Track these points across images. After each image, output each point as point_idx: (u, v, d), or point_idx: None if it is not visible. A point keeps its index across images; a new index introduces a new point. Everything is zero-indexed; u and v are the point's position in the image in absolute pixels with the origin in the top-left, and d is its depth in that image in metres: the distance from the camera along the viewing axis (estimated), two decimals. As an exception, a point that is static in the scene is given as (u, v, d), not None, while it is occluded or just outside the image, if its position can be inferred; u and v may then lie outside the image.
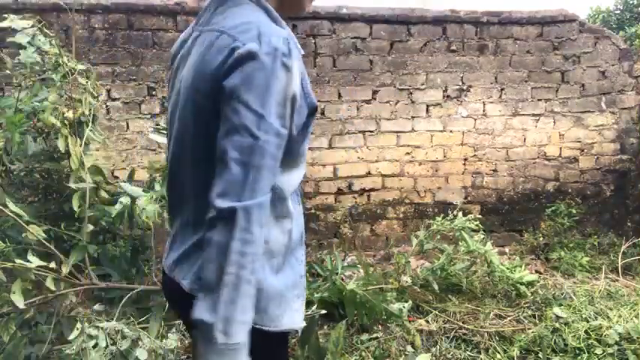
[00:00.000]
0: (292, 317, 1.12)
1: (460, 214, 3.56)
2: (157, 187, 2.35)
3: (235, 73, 0.91)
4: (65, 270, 2.19)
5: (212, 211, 0.90)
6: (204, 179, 0.97)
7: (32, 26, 2.47)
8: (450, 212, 3.61)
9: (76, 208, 2.43)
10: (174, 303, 1.27)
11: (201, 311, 0.89)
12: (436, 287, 3.25)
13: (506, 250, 4.86)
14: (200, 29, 1.09)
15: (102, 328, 1.74)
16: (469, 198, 5.03)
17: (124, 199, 2.34)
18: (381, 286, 3.21)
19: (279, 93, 0.92)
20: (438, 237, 3.65)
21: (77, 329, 1.78)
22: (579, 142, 5.07)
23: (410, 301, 3.16)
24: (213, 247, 0.89)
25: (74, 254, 2.29)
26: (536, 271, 4.14)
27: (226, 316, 0.88)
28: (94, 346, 1.67)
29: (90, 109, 2.64)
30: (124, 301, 2.48)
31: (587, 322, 2.85)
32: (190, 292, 1.04)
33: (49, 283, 2.06)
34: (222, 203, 0.89)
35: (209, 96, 0.95)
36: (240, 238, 0.88)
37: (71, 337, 1.79)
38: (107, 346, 1.69)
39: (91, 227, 2.48)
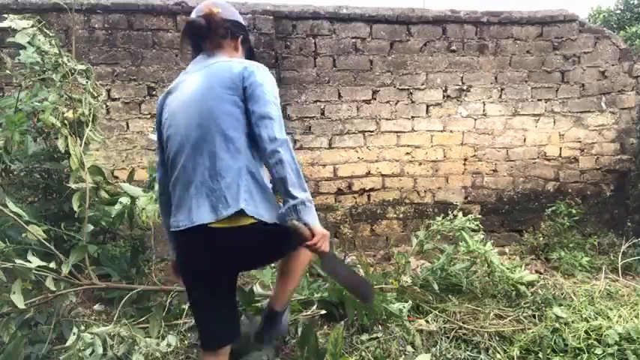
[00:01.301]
0: None
1: (460, 214, 3.55)
2: (157, 187, 2.36)
3: (253, 76, 1.65)
4: (65, 270, 2.19)
5: (273, 144, 1.57)
6: (228, 141, 1.61)
7: (32, 26, 2.47)
8: (450, 212, 3.61)
9: (76, 208, 2.44)
10: (215, 243, 1.62)
11: (297, 194, 1.57)
12: (436, 287, 3.25)
13: (507, 250, 4.86)
14: (202, 68, 1.71)
15: (98, 334, 1.73)
16: (469, 198, 5.03)
17: (124, 199, 2.34)
18: (381, 286, 3.21)
19: (275, 86, 1.71)
20: (438, 237, 3.65)
21: (74, 334, 1.77)
22: (579, 142, 5.06)
23: (410, 301, 3.16)
24: (285, 162, 1.57)
25: (74, 254, 2.29)
26: (536, 271, 4.14)
27: (307, 191, 1.61)
28: (91, 354, 1.67)
29: (90, 109, 2.64)
30: (124, 301, 2.48)
31: (587, 322, 2.84)
32: (251, 214, 1.60)
33: (49, 283, 2.06)
34: (280, 136, 1.59)
35: (230, 89, 1.62)
36: (292, 152, 1.60)
37: (68, 344, 1.78)
38: (104, 353, 1.69)
39: (91, 227, 2.48)
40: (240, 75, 1.64)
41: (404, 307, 2.96)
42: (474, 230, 3.49)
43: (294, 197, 1.57)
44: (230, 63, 1.69)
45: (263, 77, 1.67)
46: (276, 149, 1.57)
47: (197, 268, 1.71)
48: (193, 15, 1.80)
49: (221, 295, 1.76)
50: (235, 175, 1.60)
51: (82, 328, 1.85)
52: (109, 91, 4.39)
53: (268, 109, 1.61)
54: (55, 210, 2.92)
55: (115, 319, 2.36)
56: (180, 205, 1.66)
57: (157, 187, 2.14)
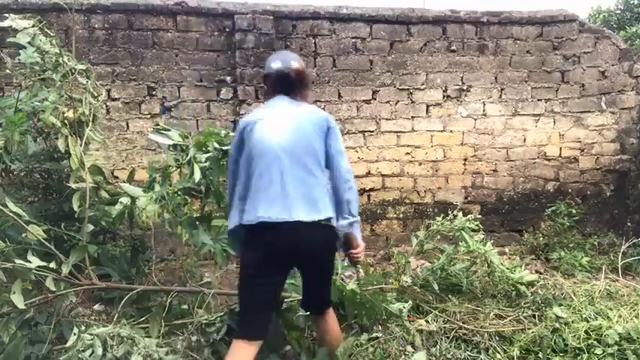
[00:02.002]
0: None
1: (460, 214, 3.55)
2: (157, 187, 2.35)
3: (332, 122, 2.20)
4: (65, 270, 2.19)
5: (348, 173, 2.16)
6: (317, 163, 2.10)
7: (32, 26, 2.47)
8: (450, 212, 3.61)
9: (76, 208, 2.43)
10: (307, 236, 2.02)
11: (355, 214, 2.15)
12: (436, 287, 3.25)
13: (506, 250, 4.86)
14: (290, 107, 2.19)
15: (97, 335, 1.73)
16: (469, 198, 5.03)
17: (124, 199, 2.34)
18: (381, 286, 3.21)
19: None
20: (438, 237, 3.65)
21: (74, 334, 1.77)
22: (579, 142, 5.06)
23: (410, 301, 3.16)
24: (353, 188, 2.15)
25: (74, 254, 2.29)
26: (536, 271, 4.14)
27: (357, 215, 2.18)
28: (91, 355, 1.67)
29: (90, 109, 2.64)
30: (124, 301, 2.48)
31: (587, 322, 2.84)
32: (332, 222, 2.10)
33: (49, 283, 2.06)
34: (350, 168, 2.19)
35: (319, 129, 2.14)
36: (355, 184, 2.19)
37: (68, 344, 1.78)
38: (104, 354, 1.68)
39: (91, 227, 2.48)
40: (325, 120, 2.18)
41: (404, 307, 2.95)
42: (473, 230, 3.49)
43: (354, 216, 2.15)
44: (315, 109, 2.25)
45: (335, 124, 2.25)
46: (349, 178, 2.16)
47: (281, 256, 2.03)
48: (280, 65, 2.22)
49: (280, 287, 2.16)
50: (323, 189, 2.11)
51: (82, 328, 1.85)
52: (109, 91, 4.39)
53: (343, 147, 2.21)
54: (55, 210, 2.92)
55: (114, 319, 2.36)
56: (275, 203, 2.01)
57: (156, 187, 2.18)
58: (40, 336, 2.33)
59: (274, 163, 2.05)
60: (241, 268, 2.14)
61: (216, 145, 2.26)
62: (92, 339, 1.71)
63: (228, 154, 2.24)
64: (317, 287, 2.28)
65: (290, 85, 2.22)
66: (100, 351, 1.70)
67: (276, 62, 2.23)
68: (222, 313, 2.71)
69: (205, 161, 2.26)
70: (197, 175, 2.19)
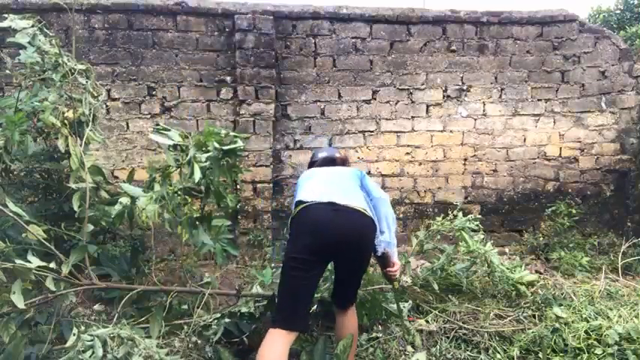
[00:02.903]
0: None
1: (460, 214, 3.55)
2: (157, 187, 2.35)
3: (364, 174, 2.57)
4: (65, 270, 2.19)
5: (378, 194, 2.46)
6: (351, 183, 2.45)
7: (32, 26, 2.47)
8: (450, 212, 3.61)
9: (76, 208, 2.43)
10: (351, 224, 2.23)
11: (394, 238, 2.47)
12: (436, 288, 3.25)
13: (506, 250, 4.86)
14: (334, 168, 2.63)
15: (98, 336, 1.72)
16: (469, 198, 5.03)
17: (124, 199, 2.33)
18: (381, 286, 3.21)
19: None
20: (439, 237, 3.65)
21: (74, 335, 1.76)
22: (579, 142, 5.06)
23: (410, 302, 3.16)
24: (393, 215, 2.48)
25: (74, 254, 2.28)
26: (536, 271, 4.14)
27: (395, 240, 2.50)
28: (91, 356, 1.66)
29: (90, 109, 2.64)
30: (124, 301, 2.48)
31: (587, 322, 2.84)
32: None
33: (49, 283, 2.05)
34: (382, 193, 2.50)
35: (355, 176, 2.52)
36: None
37: (68, 345, 1.77)
38: (104, 355, 1.68)
39: (91, 227, 2.48)
40: (358, 170, 2.57)
41: (404, 307, 2.96)
42: (473, 230, 3.49)
43: (392, 236, 2.45)
44: (352, 168, 2.64)
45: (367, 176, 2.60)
46: (388, 202, 2.49)
47: (327, 245, 2.18)
48: (331, 154, 2.74)
49: (319, 278, 2.35)
50: (361, 195, 2.44)
51: (82, 328, 1.84)
52: (109, 91, 4.39)
53: (380, 194, 2.50)
54: (55, 210, 2.92)
55: (114, 319, 2.35)
56: (318, 190, 2.34)
57: (156, 187, 2.19)
58: (40, 336, 2.33)
59: (320, 178, 2.46)
60: (285, 261, 2.25)
61: (217, 145, 2.26)
62: (92, 340, 1.70)
63: (229, 154, 2.25)
64: (348, 283, 2.41)
65: (335, 162, 2.70)
66: (100, 352, 1.69)
67: (322, 153, 2.77)
68: (219, 315, 2.72)
69: (205, 161, 2.26)
70: (197, 175, 2.19)
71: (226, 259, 2.50)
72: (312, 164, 2.75)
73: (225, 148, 2.25)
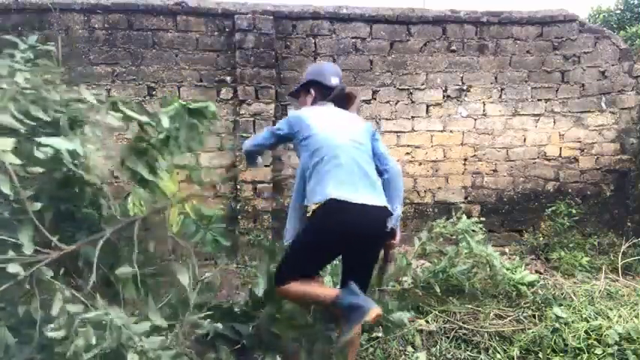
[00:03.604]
0: None
1: (464, 216, 3.56)
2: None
3: (375, 130, 2.56)
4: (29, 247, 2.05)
5: (392, 164, 2.56)
6: (372, 160, 2.43)
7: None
8: (450, 212, 3.61)
9: (75, 208, 2.42)
10: (372, 219, 2.24)
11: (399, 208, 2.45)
12: (438, 290, 3.24)
13: (507, 250, 4.86)
14: (340, 112, 2.51)
15: (89, 320, 1.69)
16: (469, 198, 5.03)
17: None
18: (382, 287, 3.20)
19: None
20: (441, 239, 3.65)
21: (59, 300, 1.68)
22: (579, 142, 5.06)
23: (411, 309, 3.14)
24: (400, 180, 2.56)
25: (24, 229, 2.23)
26: (537, 271, 4.14)
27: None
28: (85, 344, 1.64)
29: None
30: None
31: (587, 322, 2.84)
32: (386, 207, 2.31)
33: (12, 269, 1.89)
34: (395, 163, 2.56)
35: (369, 134, 2.48)
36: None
37: (53, 313, 1.71)
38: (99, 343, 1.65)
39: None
40: (370, 125, 2.53)
41: (405, 316, 2.91)
42: (473, 231, 3.49)
43: (401, 207, 2.48)
44: (360, 119, 2.60)
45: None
46: (400, 171, 2.59)
47: (346, 235, 2.18)
48: (338, 81, 2.54)
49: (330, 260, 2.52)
50: (379, 181, 2.39)
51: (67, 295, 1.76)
52: (108, 91, 4.39)
53: (394, 163, 2.56)
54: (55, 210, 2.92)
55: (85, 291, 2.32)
56: (347, 183, 2.22)
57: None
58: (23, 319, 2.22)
59: (339, 150, 2.27)
60: (299, 243, 2.28)
61: (181, 102, 2.26)
62: (85, 325, 1.67)
63: (195, 114, 2.20)
64: (359, 276, 2.36)
65: (340, 98, 2.53)
66: (93, 340, 1.67)
67: (334, 78, 2.53)
68: (211, 312, 2.67)
69: (172, 115, 2.24)
70: (165, 123, 2.16)
71: (218, 247, 2.45)
72: (322, 87, 2.52)
73: (190, 106, 2.22)
